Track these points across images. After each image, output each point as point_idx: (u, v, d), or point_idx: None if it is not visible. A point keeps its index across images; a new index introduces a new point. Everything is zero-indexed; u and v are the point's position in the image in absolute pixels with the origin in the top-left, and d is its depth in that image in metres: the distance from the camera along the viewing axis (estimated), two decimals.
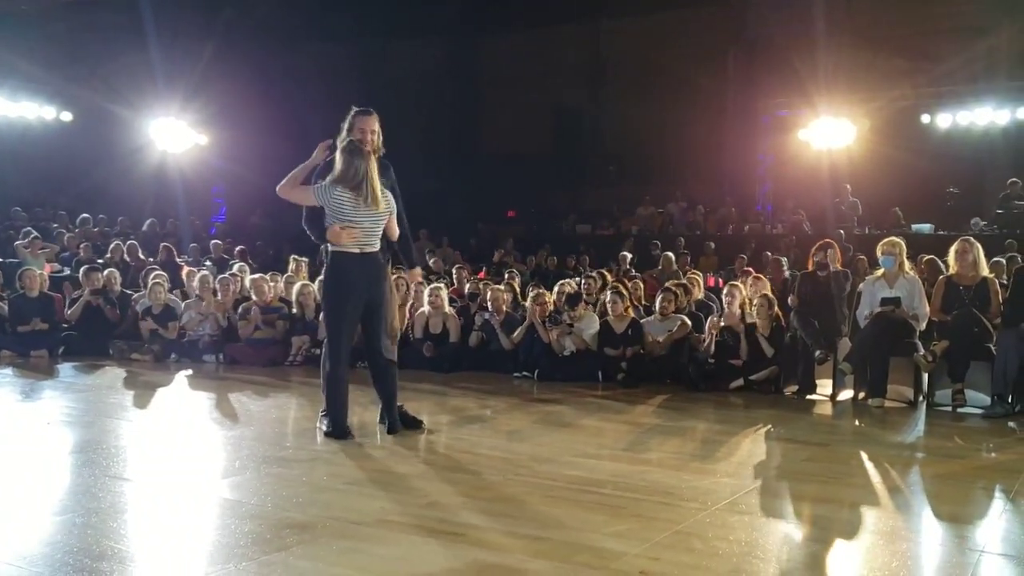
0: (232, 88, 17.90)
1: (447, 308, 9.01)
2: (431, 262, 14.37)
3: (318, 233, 5.18)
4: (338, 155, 5.07)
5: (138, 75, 16.95)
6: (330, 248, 5.12)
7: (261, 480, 4.23)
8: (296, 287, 9.48)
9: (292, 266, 10.74)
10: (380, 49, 21.25)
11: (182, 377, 8.18)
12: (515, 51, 20.97)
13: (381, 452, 4.95)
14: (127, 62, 16.79)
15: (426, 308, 8.94)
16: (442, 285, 9.53)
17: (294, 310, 9.31)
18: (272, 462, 4.61)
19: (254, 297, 9.30)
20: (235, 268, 11.06)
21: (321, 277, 5.29)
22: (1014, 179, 15.66)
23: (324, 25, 19.95)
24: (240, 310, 9.26)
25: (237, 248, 13.97)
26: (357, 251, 5.08)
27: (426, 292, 9.01)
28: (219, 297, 9.56)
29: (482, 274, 12.98)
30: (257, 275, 9.72)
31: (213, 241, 14.70)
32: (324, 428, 5.23)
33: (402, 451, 4.96)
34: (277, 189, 5.20)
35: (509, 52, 21.16)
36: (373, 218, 5.13)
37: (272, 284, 9.63)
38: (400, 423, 5.42)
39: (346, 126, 5.27)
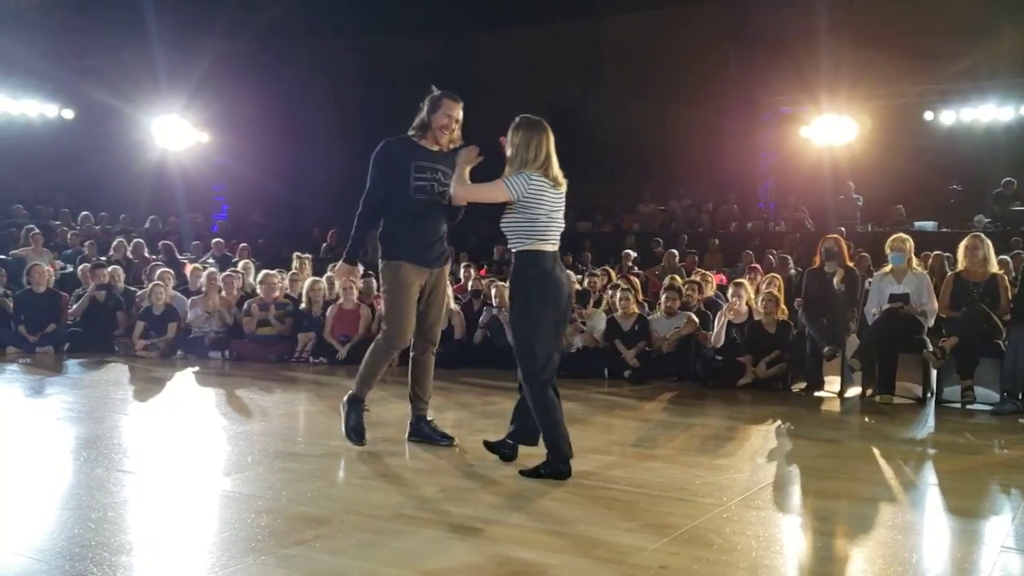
0: (233, 86, 17.89)
1: (452, 304, 9.00)
2: None
3: (520, 232, 4.26)
4: (513, 134, 4.33)
5: (140, 72, 16.93)
6: (524, 247, 4.24)
7: (274, 475, 4.21)
8: (307, 283, 9.51)
9: (296, 263, 10.75)
10: (377, 46, 21.24)
11: (188, 373, 8.17)
12: (511, 47, 20.92)
13: (392, 448, 4.94)
14: (129, 59, 16.76)
15: None
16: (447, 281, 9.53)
17: (302, 306, 9.32)
18: (284, 457, 4.60)
19: (261, 293, 9.30)
20: (240, 265, 11.05)
21: (514, 281, 4.31)
22: (1009, 178, 15.66)
23: (323, 22, 19.92)
24: (245, 306, 9.26)
25: (241, 245, 13.95)
26: (552, 248, 4.30)
27: None
28: (223, 294, 9.56)
29: (483, 271, 12.98)
30: (266, 271, 9.70)
31: (215, 239, 14.68)
32: (544, 470, 4.21)
33: (413, 447, 4.95)
34: (453, 195, 4.51)
35: (505, 48, 21.11)
36: (563, 203, 4.40)
37: (279, 280, 9.61)
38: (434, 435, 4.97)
39: (427, 108, 4.76)
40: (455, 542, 3.24)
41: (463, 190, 4.43)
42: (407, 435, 4.92)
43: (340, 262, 4.90)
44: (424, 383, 4.98)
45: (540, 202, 4.21)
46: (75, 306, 9.77)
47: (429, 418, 4.99)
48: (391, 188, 4.72)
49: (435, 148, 4.77)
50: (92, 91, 17.55)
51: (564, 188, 4.33)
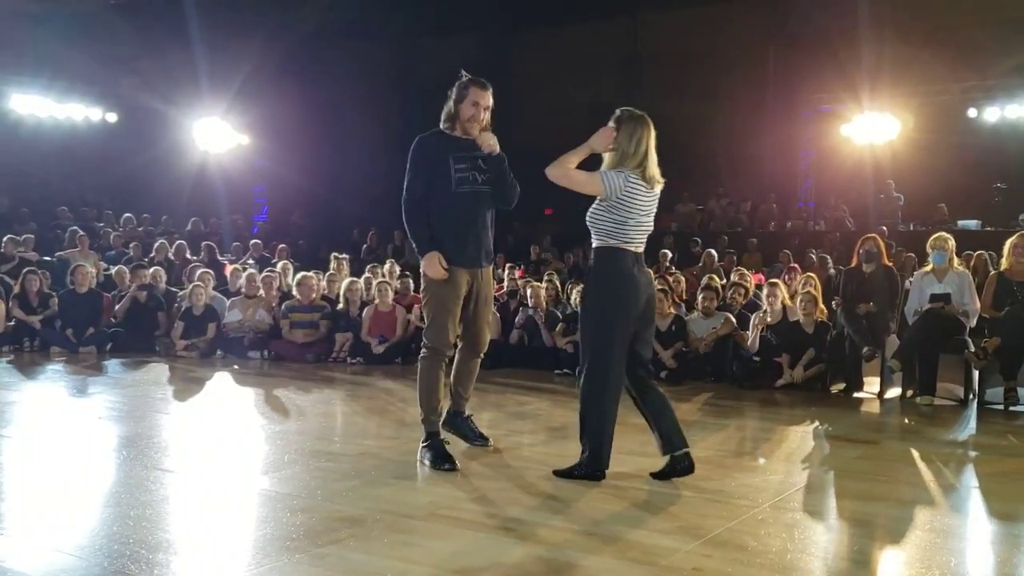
0: (273, 88, 18.09)
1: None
2: None
3: (606, 229, 4.10)
4: (615, 127, 4.16)
5: (183, 76, 17.19)
6: (606, 243, 4.10)
7: (310, 474, 4.26)
8: (344, 283, 9.59)
9: (334, 264, 10.84)
10: (416, 47, 21.34)
11: (227, 373, 8.28)
12: (550, 46, 20.88)
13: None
14: (172, 63, 17.04)
15: None
16: None
17: (340, 306, 9.39)
18: (320, 456, 4.65)
19: (298, 295, 9.38)
20: (279, 266, 11.17)
21: (589, 277, 4.20)
22: None
23: (361, 24, 20.06)
24: (283, 308, 9.35)
25: (280, 246, 14.10)
26: (635, 249, 4.13)
27: None
28: (262, 293, 9.67)
29: (520, 272, 12.98)
30: (302, 273, 9.78)
31: (254, 240, 14.87)
32: (578, 471, 4.15)
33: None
34: (548, 171, 4.20)
35: (544, 47, 21.08)
36: (655, 204, 4.23)
37: (316, 282, 9.68)
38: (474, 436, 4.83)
39: (454, 97, 4.54)
40: (488, 542, 3.25)
41: (560, 170, 4.13)
42: (440, 422, 4.66)
43: (422, 261, 4.46)
44: (467, 383, 4.79)
45: (633, 204, 4.05)
46: (118, 307, 9.93)
47: (467, 414, 4.83)
48: (432, 185, 4.48)
49: (468, 137, 4.52)
50: (136, 94, 17.89)
51: (660, 188, 4.17)
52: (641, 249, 4.14)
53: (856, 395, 7.03)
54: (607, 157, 4.17)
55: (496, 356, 8.69)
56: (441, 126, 4.60)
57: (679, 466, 4.12)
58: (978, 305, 6.83)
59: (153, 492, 3.92)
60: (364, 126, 19.96)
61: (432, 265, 4.39)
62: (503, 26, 21.13)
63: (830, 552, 3.28)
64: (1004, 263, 6.90)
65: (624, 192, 4.02)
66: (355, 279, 9.75)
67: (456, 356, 4.71)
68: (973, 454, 5.25)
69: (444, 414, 4.67)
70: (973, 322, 6.83)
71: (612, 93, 20.56)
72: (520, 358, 8.77)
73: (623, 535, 3.36)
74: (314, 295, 9.43)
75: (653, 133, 4.14)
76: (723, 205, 18.11)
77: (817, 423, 5.96)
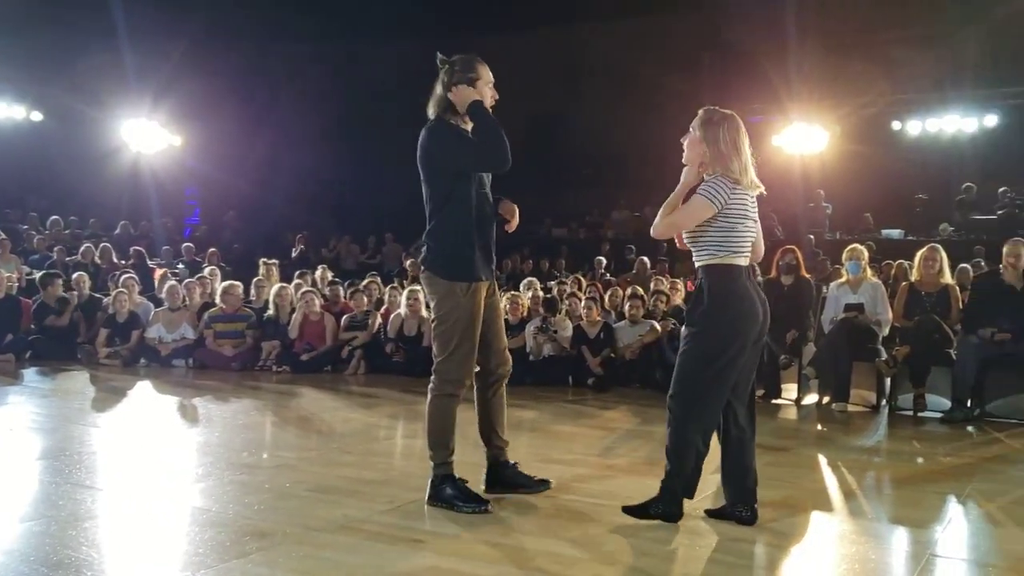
0: (206, 89, 17.84)
1: (424, 312, 9.02)
2: (407, 264, 14.39)
3: (714, 243, 3.60)
4: (704, 130, 3.64)
5: (109, 74, 16.82)
6: (717, 260, 3.59)
7: (224, 487, 4.24)
8: (274, 289, 9.50)
9: (263, 270, 10.72)
10: (354, 51, 21.24)
11: (150, 383, 8.15)
12: (490, 55, 20.92)
13: (348, 458, 4.98)
14: (98, 61, 16.66)
15: (403, 310, 8.95)
16: (419, 288, 9.55)
17: (269, 311, 9.29)
18: (237, 469, 4.62)
19: (222, 304, 9.26)
20: (207, 271, 11.03)
21: (704, 300, 3.59)
22: (969, 184, 15.93)
23: (301, 25, 19.90)
24: (207, 317, 9.22)
25: (210, 250, 13.91)
26: (745, 262, 3.65)
27: (404, 295, 9.04)
28: (187, 302, 9.53)
29: None
30: (228, 282, 9.65)
31: (185, 244, 14.64)
32: (654, 510, 3.68)
33: (370, 458, 4.99)
34: (653, 232, 3.75)
35: (487, 54, 21.15)
36: (756, 209, 3.72)
37: (241, 291, 9.57)
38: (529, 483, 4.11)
39: (457, 80, 3.85)
40: (394, 554, 3.28)
41: (663, 224, 3.65)
42: (484, 486, 4.01)
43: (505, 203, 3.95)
44: (500, 418, 4.07)
45: (742, 210, 3.57)
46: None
47: (513, 462, 4.11)
48: (456, 184, 3.82)
49: (469, 128, 3.91)
50: (60, 93, 17.45)
51: (759, 192, 3.68)
52: (748, 261, 3.67)
53: (775, 401, 7.22)
54: (699, 168, 3.67)
55: (427, 363, 8.71)
56: (446, 117, 3.90)
57: (735, 514, 3.73)
58: (890, 315, 7.07)
59: (60, 507, 3.86)
60: (302, 128, 19.80)
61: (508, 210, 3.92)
62: (443, 33, 21.16)
63: (734, 558, 3.38)
64: (914, 274, 7.17)
65: (732, 198, 3.54)
66: (284, 285, 9.68)
67: (478, 388, 4.04)
68: (878, 460, 5.44)
69: (485, 475, 4.07)
70: (886, 331, 7.07)
71: (553, 103, 20.77)
72: None
73: (532, 545, 3.41)
74: (239, 305, 9.32)
75: (745, 130, 3.63)
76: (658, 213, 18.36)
77: None
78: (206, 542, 3.38)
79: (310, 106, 20.31)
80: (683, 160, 3.71)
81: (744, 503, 3.69)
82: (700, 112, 3.67)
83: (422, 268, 3.95)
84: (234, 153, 18.47)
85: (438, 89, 3.90)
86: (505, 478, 4.04)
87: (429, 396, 3.93)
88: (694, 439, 3.61)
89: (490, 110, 3.87)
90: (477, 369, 3.97)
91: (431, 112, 3.92)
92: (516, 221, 3.99)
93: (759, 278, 11.64)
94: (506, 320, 8.28)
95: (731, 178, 3.53)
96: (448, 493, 3.86)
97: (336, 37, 20.63)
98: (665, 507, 3.64)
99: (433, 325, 3.92)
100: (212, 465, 4.72)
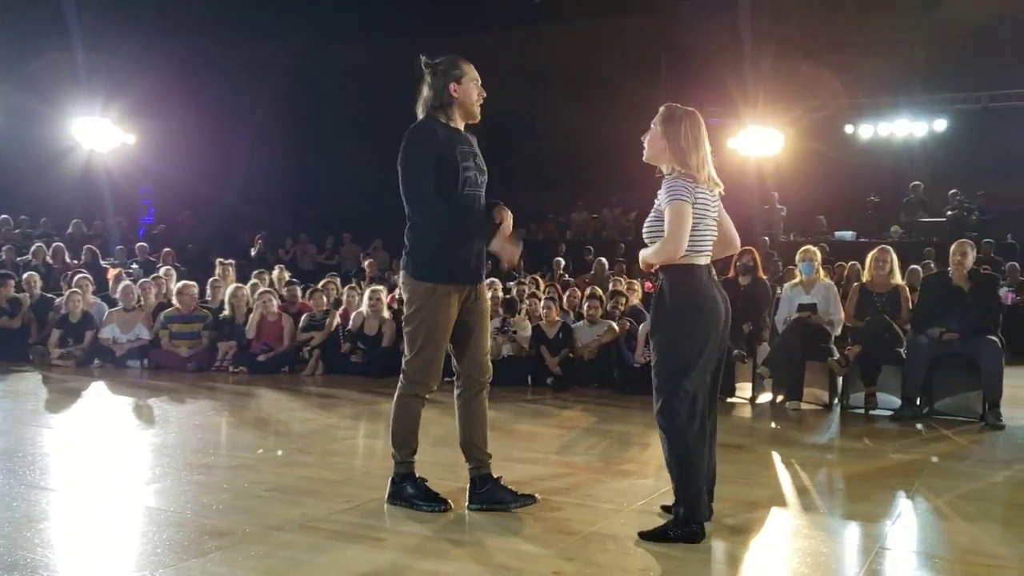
0: (160, 86, 17.56)
1: (385, 312, 9.01)
2: (364, 264, 14.35)
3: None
4: (667, 126, 3.56)
5: (61, 72, 16.53)
6: (677, 263, 3.51)
7: (182, 487, 4.21)
8: (229, 289, 9.42)
9: (219, 270, 10.62)
10: (313, 49, 21.12)
11: (104, 383, 8.03)
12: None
13: (307, 458, 4.97)
14: (49, 59, 16.35)
15: (364, 310, 8.93)
16: (382, 288, 9.54)
17: (225, 312, 9.22)
18: (194, 469, 4.59)
19: (177, 304, 9.16)
20: (162, 271, 10.89)
21: (663, 302, 3.54)
22: (916, 183, 16.31)
23: (255, 24, 19.73)
24: (162, 318, 9.10)
25: (165, 250, 13.72)
26: (705, 261, 3.59)
27: (366, 294, 9.02)
28: (142, 302, 9.41)
29: None
30: (183, 282, 9.54)
31: (139, 243, 14.43)
32: (673, 532, 3.49)
33: (329, 458, 4.98)
34: (663, 262, 3.54)
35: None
36: (719, 206, 3.67)
37: (197, 291, 9.46)
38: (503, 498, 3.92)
39: (441, 79, 3.84)
40: (354, 552, 3.29)
41: (670, 246, 3.45)
42: (468, 503, 3.88)
43: (491, 249, 3.79)
44: (481, 428, 3.94)
45: (703, 209, 3.50)
46: None
47: (496, 476, 3.96)
48: (438, 185, 3.72)
49: (461, 128, 3.90)
50: (10, 91, 17.09)
51: (720, 191, 3.62)
52: (709, 261, 3.60)
53: (729, 400, 7.31)
54: (660, 165, 3.62)
55: (387, 363, 8.71)
56: (431, 115, 3.85)
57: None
58: (842, 315, 7.21)
59: (15, 508, 3.81)
60: (259, 127, 19.62)
61: (507, 250, 3.78)
62: (403, 33, 21.12)
63: (684, 554, 3.43)
64: (866, 275, 7.31)
65: (696, 197, 3.48)
66: (240, 285, 9.60)
67: (457, 395, 3.96)
68: (830, 456, 5.55)
69: (469, 490, 3.92)
70: (838, 331, 7.20)
71: (512, 104, 20.82)
72: None
73: (490, 542, 3.45)
74: (194, 306, 9.22)
75: (705, 128, 3.59)
76: (616, 214, 18.53)
77: None
78: (164, 542, 3.36)
79: (267, 104, 20.14)
80: (644, 157, 3.68)
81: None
82: (661, 108, 3.64)
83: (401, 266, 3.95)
84: (189, 152, 18.22)
85: (424, 91, 3.88)
86: (490, 495, 3.88)
87: (396, 394, 3.90)
88: (692, 446, 3.50)
89: (478, 106, 3.88)
90: (456, 377, 3.95)
91: (419, 113, 3.89)
92: (509, 227, 3.82)
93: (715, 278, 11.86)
94: None
95: (688, 176, 3.48)
96: (408, 492, 3.86)
97: (293, 36, 20.50)
98: (686, 528, 3.47)
99: (404, 324, 3.90)
100: (169, 466, 4.68)
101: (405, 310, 3.87)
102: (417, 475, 3.92)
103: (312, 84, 21.05)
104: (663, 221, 3.47)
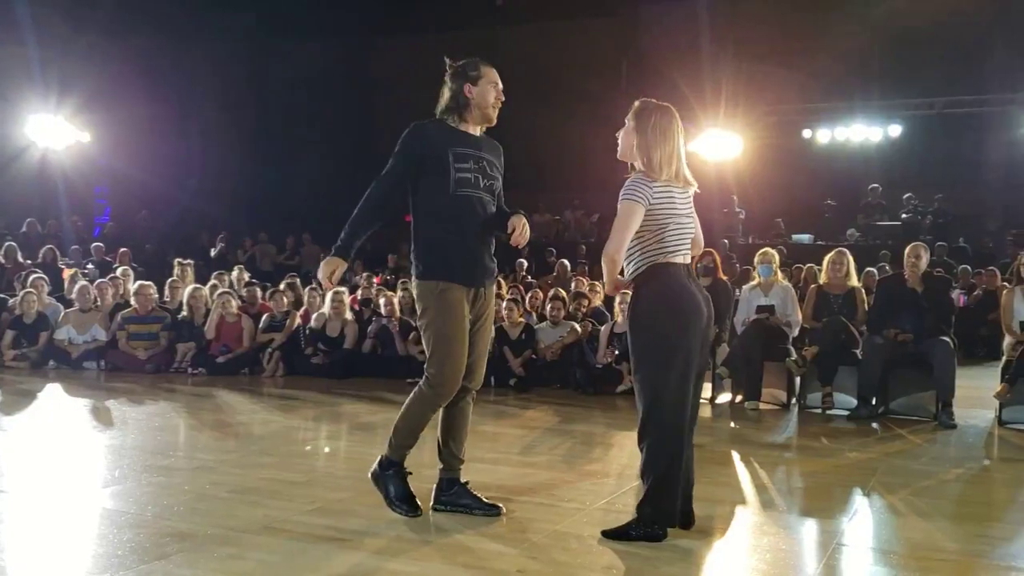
0: (116, 83, 17.32)
1: (347, 314, 8.98)
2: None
3: (644, 247, 3.50)
4: (638, 120, 3.50)
5: (13, 68, 16.22)
6: (650, 263, 3.47)
7: (142, 489, 4.16)
8: (188, 290, 9.32)
9: (178, 270, 10.50)
10: (273, 48, 20.97)
11: (59, 385, 7.90)
12: (411, 54, 20.93)
13: (268, 460, 4.94)
14: (4, 56, 16.06)
15: (327, 311, 8.89)
16: (344, 290, 9.50)
17: (183, 313, 9.12)
18: (154, 471, 4.54)
19: (135, 304, 9.04)
20: (119, 271, 10.74)
21: (638, 305, 3.48)
22: (874, 185, 16.62)
23: (215, 22, 19.53)
24: (120, 318, 8.98)
25: (121, 250, 13.52)
26: (683, 260, 3.51)
27: (329, 295, 8.98)
28: (99, 303, 9.27)
29: (378, 279, 12.97)
30: (140, 282, 9.42)
31: (95, 243, 14.20)
32: (635, 531, 3.49)
33: (291, 460, 4.95)
34: (607, 267, 3.49)
35: (405, 55, 21.12)
36: (692, 208, 3.59)
37: (155, 291, 9.34)
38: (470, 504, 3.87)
39: (459, 81, 3.81)
40: (318, 553, 3.28)
41: (612, 251, 3.41)
42: (432, 503, 3.88)
43: (330, 255, 3.76)
44: (460, 434, 3.90)
45: (669, 208, 3.42)
46: None
47: (464, 481, 3.92)
48: (424, 182, 3.71)
49: (476, 132, 3.87)
50: None
51: (693, 190, 3.54)
52: (688, 259, 3.51)
53: None
54: (629, 161, 3.55)
55: (349, 365, 8.70)
56: (444, 118, 3.84)
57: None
58: (800, 316, 7.33)
59: None
60: (216, 125, 19.41)
61: (328, 266, 3.71)
62: (361, 31, 21.04)
63: (650, 552, 3.47)
64: (823, 277, 7.45)
65: (655, 196, 3.39)
66: (199, 286, 9.51)
67: None
68: (788, 455, 5.64)
69: (435, 490, 3.91)
70: (795, 332, 7.32)
71: None
72: (373, 367, 8.77)
73: (455, 541, 3.46)
74: (152, 306, 9.10)
75: (680, 127, 3.49)
76: (578, 216, 18.62)
77: None
78: (124, 544, 3.32)
79: (226, 102, 19.94)
80: (618, 154, 3.61)
81: (683, 509, 3.57)
82: (636, 103, 3.56)
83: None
84: (146, 150, 17.98)
85: (443, 92, 3.85)
86: (455, 498, 3.86)
87: (415, 392, 3.77)
88: (673, 451, 3.41)
89: (495, 110, 3.86)
90: None
91: (437, 114, 3.87)
92: (522, 235, 3.73)
93: None
94: None
95: (649, 176, 3.40)
96: (388, 484, 3.80)
97: (251, 34, 20.33)
98: (648, 529, 3.45)
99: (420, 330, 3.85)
100: (127, 468, 4.62)
101: (418, 315, 3.83)
102: (405, 468, 3.84)
103: (270, 83, 20.89)
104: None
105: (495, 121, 3.87)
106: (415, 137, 3.74)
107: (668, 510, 3.45)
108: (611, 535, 3.49)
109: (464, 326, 3.71)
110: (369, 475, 3.88)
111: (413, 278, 3.80)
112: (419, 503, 3.81)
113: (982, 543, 3.61)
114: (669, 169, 3.41)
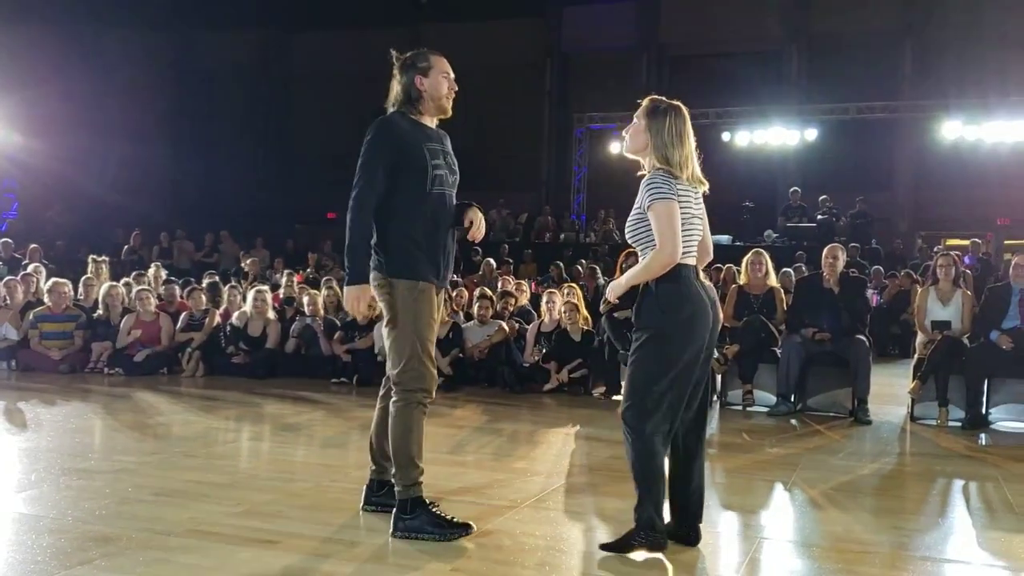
0: (25, 72, 16.69)
1: (270, 313, 8.82)
2: (246, 263, 13.99)
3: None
4: (651, 119, 3.38)
5: None
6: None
7: (60, 493, 4.03)
8: (103, 288, 9.03)
9: (92, 267, 10.15)
10: (192, 39, 20.50)
11: None
12: (332, 49, 20.73)
13: (192, 461, 4.83)
14: None
15: (248, 310, 8.72)
16: (266, 288, 9.33)
17: (99, 312, 8.84)
18: (72, 474, 4.40)
19: (49, 302, 8.72)
20: (30, 268, 10.35)
21: (648, 304, 3.32)
22: (795, 188, 17.11)
23: (131, 9, 18.98)
24: (32, 317, 8.65)
25: (31, 246, 13.02)
26: (692, 261, 3.38)
27: (251, 294, 8.82)
28: (8, 301, 8.92)
29: (300, 277, 12.78)
30: (54, 279, 9.09)
31: (3, 239, 13.65)
32: (636, 540, 3.34)
33: (215, 461, 4.86)
34: (664, 266, 3.26)
35: (326, 50, 20.88)
36: (703, 206, 3.49)
37: (69, 289, 9.03)
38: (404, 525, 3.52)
39: (409, 73, 3.63)
40: (247, 556, 3.23)
41: (650, 268, 3.29)
42: (363, 503, 3.80)
43: (346, 287, 3.50)
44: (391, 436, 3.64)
45: (687, 208, 3.32)
46: None
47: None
48: (403, 180, 3.51)
49: (432, 124, 3.71)
50: None
51: (704, 189, 3.45)
52: (695, 261, 3.40)
53: (616, 397, 7.49)
54: (645, 160, 3.45)
55: (272, 365, 8.55)
56: (398, 109, 3.65)
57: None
58: (721, 315, 7.48)
59: None
60: (133, 116, 18.85)
61: (355, 299, 3.46)
62: (283, 25, 20.72)
63: (580, 548, 3.52)
64: (742, 278, 7.63)
65: (679, 194, 3.30)
66: (115, 283, 9.22)
67: (381, 397, 3.76)
68: (711, 451, 5.72)
69: (365, 490, 3.82)
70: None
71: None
72: (296, 367, 8.64)
73: (384, 541, 3.44)
74: (66, 304, 8.80)
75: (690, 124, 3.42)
76: (504, 215, 18.69)
77: (579, 425, 6.34)
78: (44, 549, 3.21)
79: (142, 95, 19.41)
80: (624, 151, 3.54)
81: (687, 524, 3.47)
82: (645, 101, 3.46)
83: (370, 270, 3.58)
84: (58, 142, 17.37)
85: (393, 86, 3.67)
86: (384, 497, 3.74)
87: (391, 411, 3.54)
88: (658, 450, 3.32)
89: (449, 100, 3.68)
90: (386, 381, 3.67)
91: (388, 109, 3.69)
92: (479, 229, 3.68)
93: (601, 280, 12.11)
94: (353, 321, 8.24)
95: (669, 172, 3.30)
96: (423, 526, 3.46)
97: (169, 25, 19.86)
98: (647, 537, 3.32)
99: (385, 334, 3.59)
100: (44, 471, 4.47)
101: (385, 316, 3.54)
102: (434, 504, 3.56)
103: (189, 74, 20.43)
104: (647, 222, 3.30)
105: (450, 112, 3.70)
106: (388, 135, 3.54)
107: (658, 512, 3.34)
108: (612, 547, 3.36)
109: (436, 329, 3.59)
110: (393, 535, 3.47)
111: (378, 274, 3.52)
112: (469, 524, 3.52)
113: (899, 535, 3.76)
114: (687, 171, 3.35)
